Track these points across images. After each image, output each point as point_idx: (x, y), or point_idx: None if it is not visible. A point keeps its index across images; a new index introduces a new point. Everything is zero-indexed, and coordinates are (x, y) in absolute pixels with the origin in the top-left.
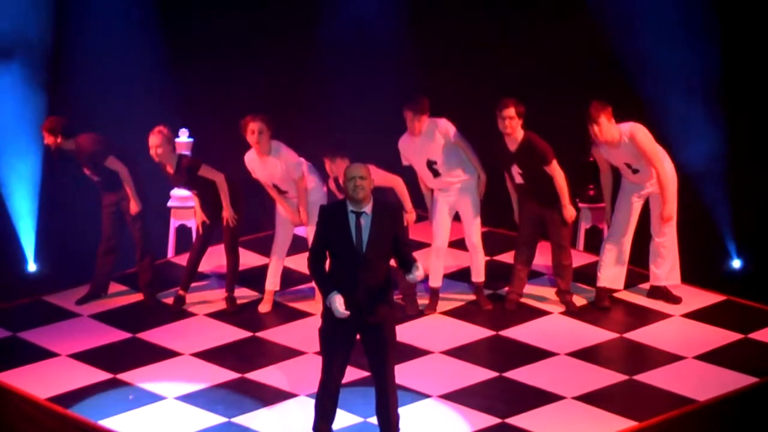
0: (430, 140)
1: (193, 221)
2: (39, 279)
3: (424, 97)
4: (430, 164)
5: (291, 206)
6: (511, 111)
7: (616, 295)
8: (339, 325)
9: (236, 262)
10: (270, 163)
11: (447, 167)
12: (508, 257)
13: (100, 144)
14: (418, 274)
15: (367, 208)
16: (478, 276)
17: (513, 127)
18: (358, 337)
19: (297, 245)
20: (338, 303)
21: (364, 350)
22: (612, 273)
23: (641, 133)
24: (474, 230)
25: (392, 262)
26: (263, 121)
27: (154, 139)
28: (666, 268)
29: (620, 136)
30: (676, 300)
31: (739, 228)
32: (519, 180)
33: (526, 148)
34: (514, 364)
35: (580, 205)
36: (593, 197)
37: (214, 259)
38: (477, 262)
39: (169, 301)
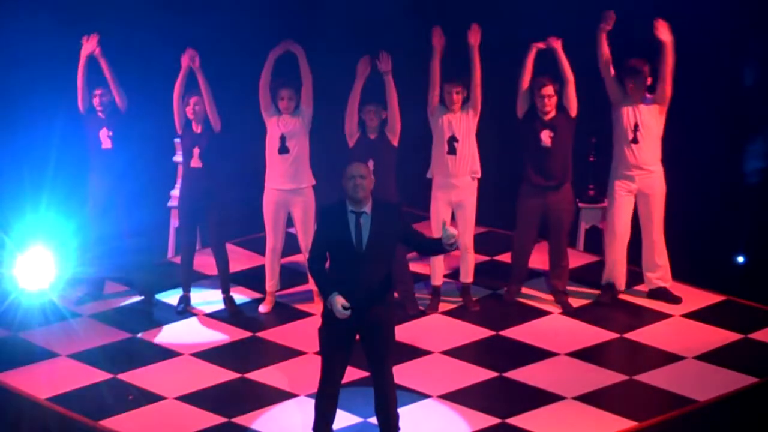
0: (462, 118)
1: None
2: None
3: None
4: (452, 140)
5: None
6: (550, 89)
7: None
8: (338, 325)
9: (226, 262)
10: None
11: (464, 152)
12: (507, 258)
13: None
14: (451, 232)
15: (367, 208)
16: (467, 277)
17: (552, 105)
18: (357, 337)
19: (295, 245)
20: (339, 303)
21: (363, 350)
22: (613, 272)
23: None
24: (469, 231)
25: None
26: (294, 89)
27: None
28: (660, 272)
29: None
30: (676, 300)
31: (743, 225)
32: (547, 142)
33: (561, 119)
34: (514, 364)
35: (581, 204)
36: (593, 197)
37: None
38: (468, 263)
39: (169, 300)
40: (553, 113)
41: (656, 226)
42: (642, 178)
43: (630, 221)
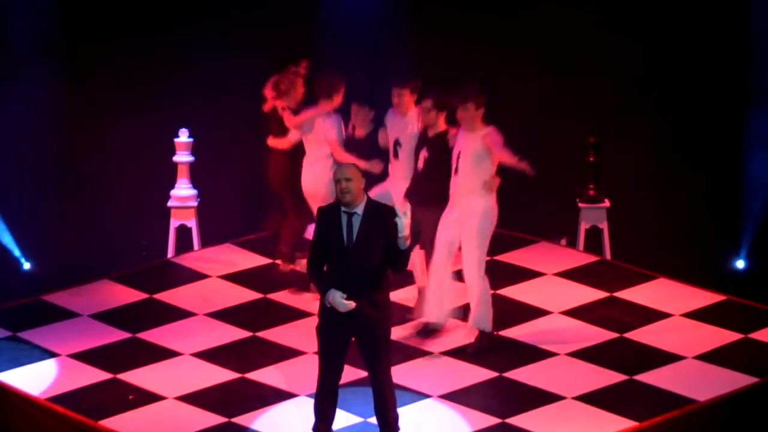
0: (408, 123)
1: (194, 221)
2: (39, 279)
3: (416, 78)
4: (396, 144)
5: None
6: (427, 103)
7: (615, 294)
8: (333, 324)
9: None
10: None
11: (405, 157)
12: (507, 258)
13: None
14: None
15: (359, 209)
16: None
17: (431, 118)
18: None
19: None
20: (339, 296)
21: (359, 351)
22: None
23: (495, 133)
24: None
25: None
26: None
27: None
28: (482, 310)
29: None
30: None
31: (744, 227)
32: (420, 165)
33: (441, 138)
34: (514, 364)
35: (581, 205)
36: (593, 197)
37: (221, 256)
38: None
39: (169, 300)
40: (432, 130)
41: (466, 261)
42: (460, 207)
43: (451, 244)
